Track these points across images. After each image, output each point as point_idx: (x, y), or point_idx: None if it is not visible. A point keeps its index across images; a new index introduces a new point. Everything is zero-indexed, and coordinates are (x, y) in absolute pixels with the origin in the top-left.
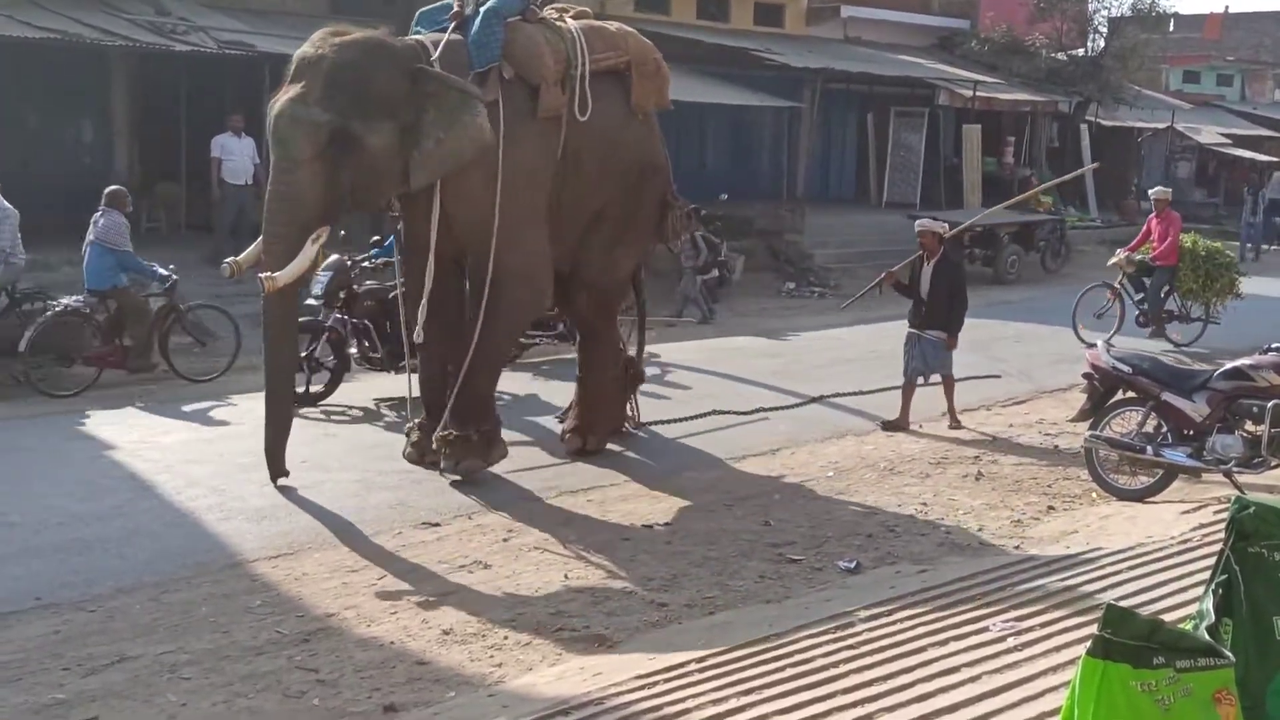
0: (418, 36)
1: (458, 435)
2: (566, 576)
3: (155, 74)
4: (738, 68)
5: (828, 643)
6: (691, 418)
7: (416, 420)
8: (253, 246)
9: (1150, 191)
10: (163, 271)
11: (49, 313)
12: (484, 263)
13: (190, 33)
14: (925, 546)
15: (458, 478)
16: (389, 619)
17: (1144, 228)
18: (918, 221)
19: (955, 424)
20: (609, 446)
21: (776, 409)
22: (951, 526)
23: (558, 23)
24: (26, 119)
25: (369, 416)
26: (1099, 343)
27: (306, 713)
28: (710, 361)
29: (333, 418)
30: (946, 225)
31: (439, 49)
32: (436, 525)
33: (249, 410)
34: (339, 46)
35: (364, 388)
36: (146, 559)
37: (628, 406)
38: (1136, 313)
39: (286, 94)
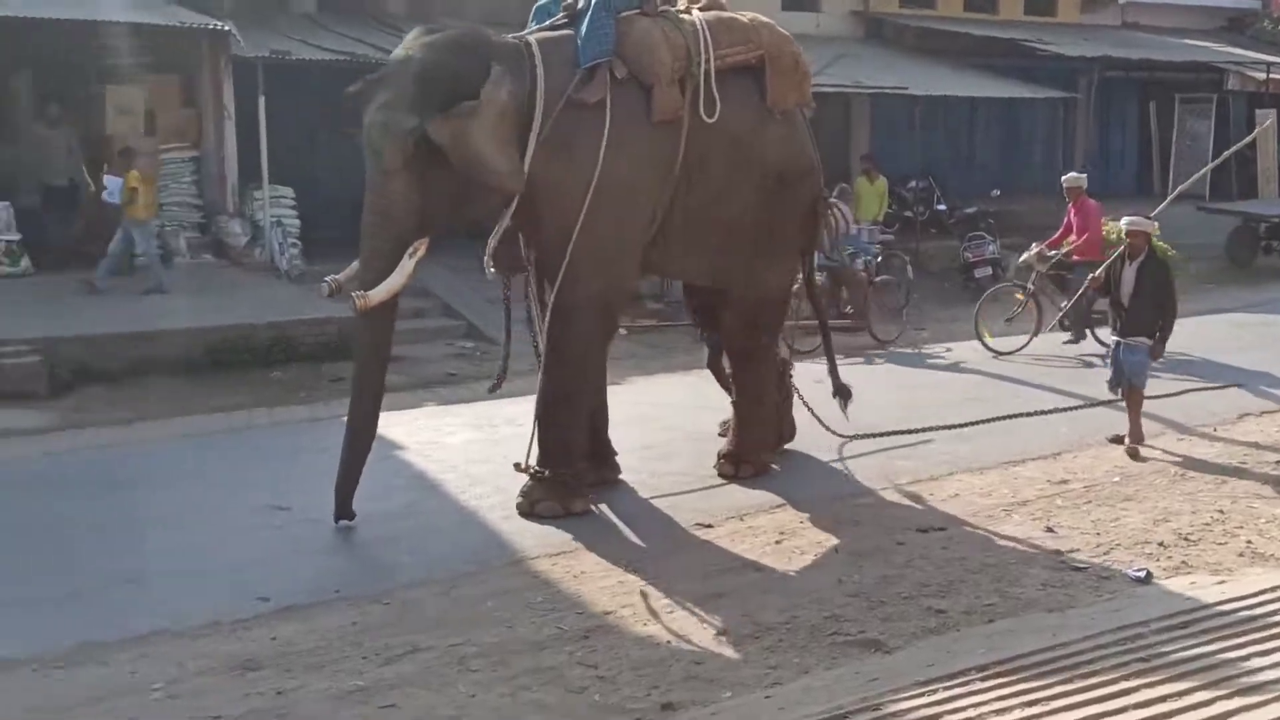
0: (523, 33)
1: (549, 476)
2: (840, 580)
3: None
4: (1008, 59)
5: (1116, 655)
6: (974, 423)
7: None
8: (353, 264)
9: (1063, 179)
10: None
11: None
12: (555, 281)
13: None
14: (1223, 556)
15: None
16: (665, 617)
17: (1064, 221)
18: (1126, 219)
19: (1136, 443)
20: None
21: (1055, 411)
22: (1253, 535)
23: (681, 15)
24: (317, 136)
25: (644, 419)
26: None
27: (587, 708)
28: (979, 360)
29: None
30: (1157, 224)
31: (541, 44)
32: (709, 526)
33: (528, 411)
34: (427, 46)
35: (638, 390)
36: (436, 555)
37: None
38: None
39: (376, 101)
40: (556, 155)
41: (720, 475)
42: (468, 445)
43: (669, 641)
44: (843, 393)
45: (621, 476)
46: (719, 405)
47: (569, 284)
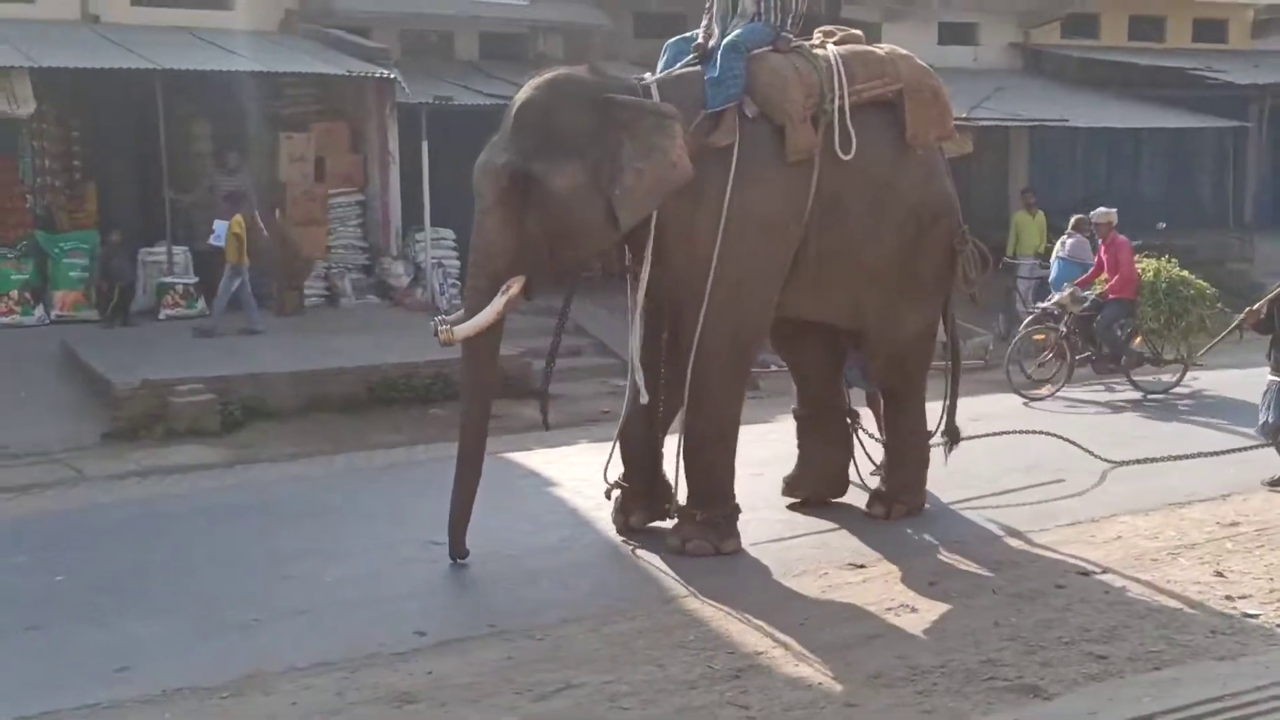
0: (646, 74)
1: (703, 516)
2: (997, 623)
3: None
4: (1175, 88)
5: None
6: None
7: (617, 479)
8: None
9: (1092, 215)
10: None
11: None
12: (692, 323)
13: None
14: None
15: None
16: (817, 659)
17: (1095, 259)
18: None
19: None
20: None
21: (1226, 452)
22: None
23: (815, 50)
24: None
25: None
26: None
27: None
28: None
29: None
30: None
31: (662, 85)
32: (861, 567)
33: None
34: (529, 87)
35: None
36: (588, 591)
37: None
38: (1093, 358)
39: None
40: (684, 198)
41: (870, 515)
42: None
43: (821, 683)
44: (952, 435)
45: (774, 515)
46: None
47: (708, 327)
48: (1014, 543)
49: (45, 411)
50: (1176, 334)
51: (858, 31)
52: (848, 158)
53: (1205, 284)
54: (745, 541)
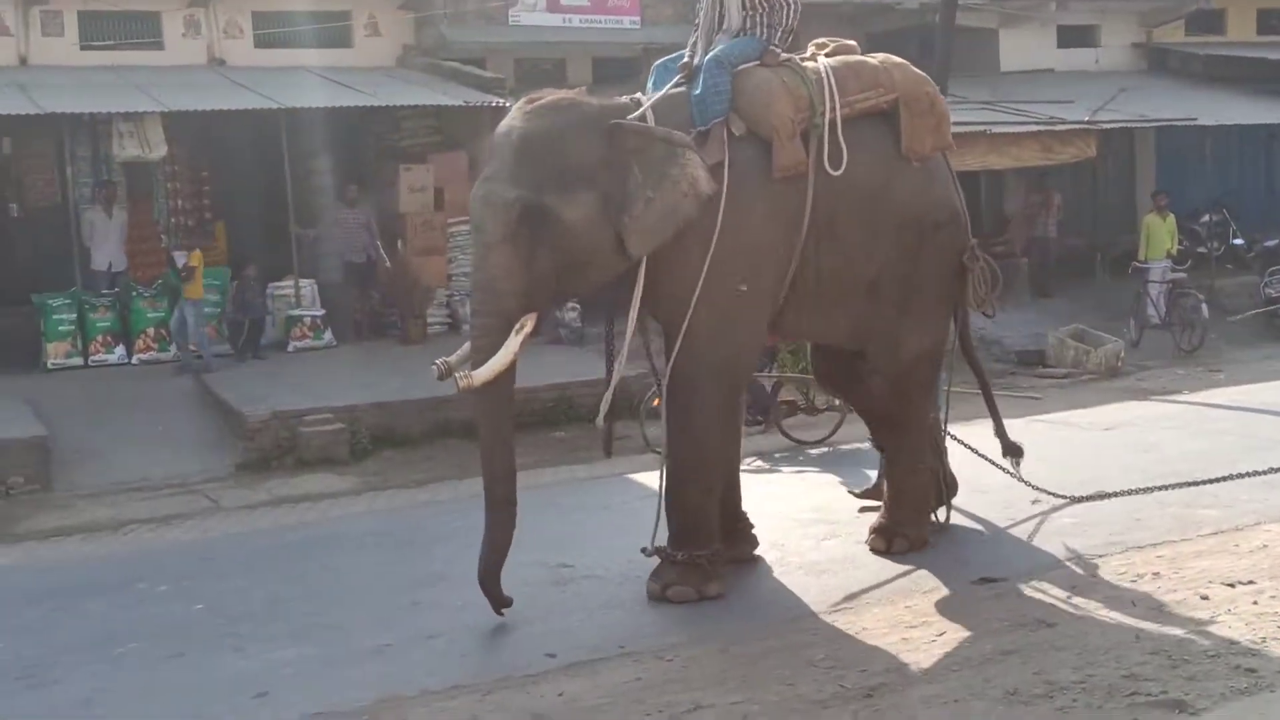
0: (637, 95)
1: (684, 558)
2: (1138, 637)
3: None
4: None
5: None
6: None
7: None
8: (465, 345)
9: None
10: None
11: None
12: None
13: None
14: None
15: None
16: (951, 676)
17: None
18: None
19: None
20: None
21: None
22: None
23: (805, 63)
24: None
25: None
26: None
27: None
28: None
29: None
30: None
31: (653, 106)
32: (994, 581)
33: (797, 469)
34: (528, 114)
35: None
36: (715, 612)
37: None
38: None
39: (483, 174)
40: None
41: (872, 551)
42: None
43: (956, 701)
44: (1013, 452)
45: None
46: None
47: (686, 353)
48: (1156, 553)
49: (182, 444)
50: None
51: (851, 43)
52: (839, 173)
53: None
54: (872, 557)
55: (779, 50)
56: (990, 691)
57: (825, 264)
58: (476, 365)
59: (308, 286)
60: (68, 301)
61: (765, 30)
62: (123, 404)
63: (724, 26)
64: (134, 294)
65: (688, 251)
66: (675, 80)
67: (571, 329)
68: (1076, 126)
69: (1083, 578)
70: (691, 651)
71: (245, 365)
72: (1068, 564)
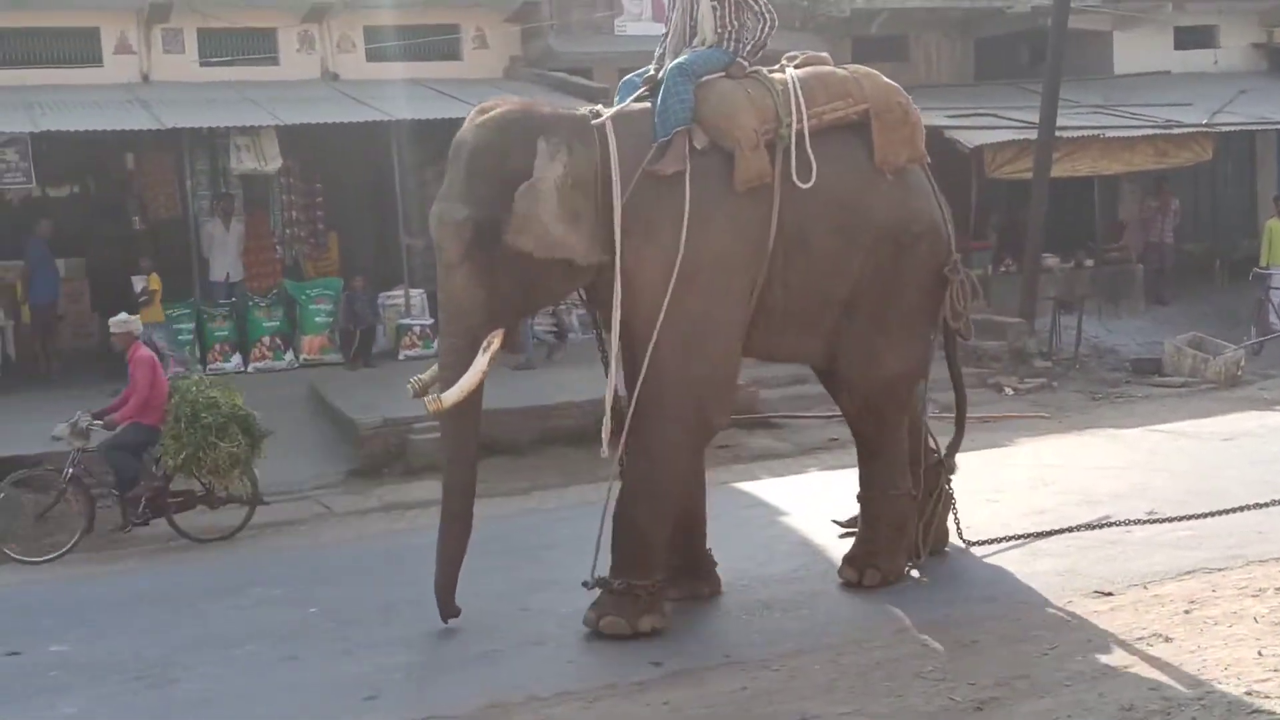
0: (597, 107)
1: (620, 585)
2: (1260, 653)
3: None
4: None
5: None
6: None
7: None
8: (435, 366)
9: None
10: None
11: None
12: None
13: None
14: None
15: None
16: (1063, 691)
17: None
18: None
19: None
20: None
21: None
22: None
23: (772, 74)
24: None
25: (1035, 483)
26: None
27: None
28: None
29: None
30: None
31: (615, 119)
32: (1109, 595)
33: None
34: (477, 128)
35: (1030, 451)
36: (821, 621)
37: (935, 524)
38: None
39: (440, 192)
40: (634, 233)
41: (844, 581)
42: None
43: (1069, 717)
44: (949, 467)
45: (1005, 540)
46: (1110, 466)
47: (654, 374)
48: (1276, 567)
49: (296, 451)
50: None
51: (824, 55)
52: (807, 185)
53: (242, 407)
54: (988, 570)
55: (745, 62)
56: (1104, 707)
57: (795, 280)
58: (443, 386)
59: (417, 296)
60: (187, 311)
61: (734, 44)
62: None
63: (695, 41)
64: (250, 303)
65: (651, 267)
66: (639, 93)
67: (548, 342)
68: (1193, 129)
69: (1201, 591)
70: (798, 661)
71: (357, 374)
72: (1185, 577)
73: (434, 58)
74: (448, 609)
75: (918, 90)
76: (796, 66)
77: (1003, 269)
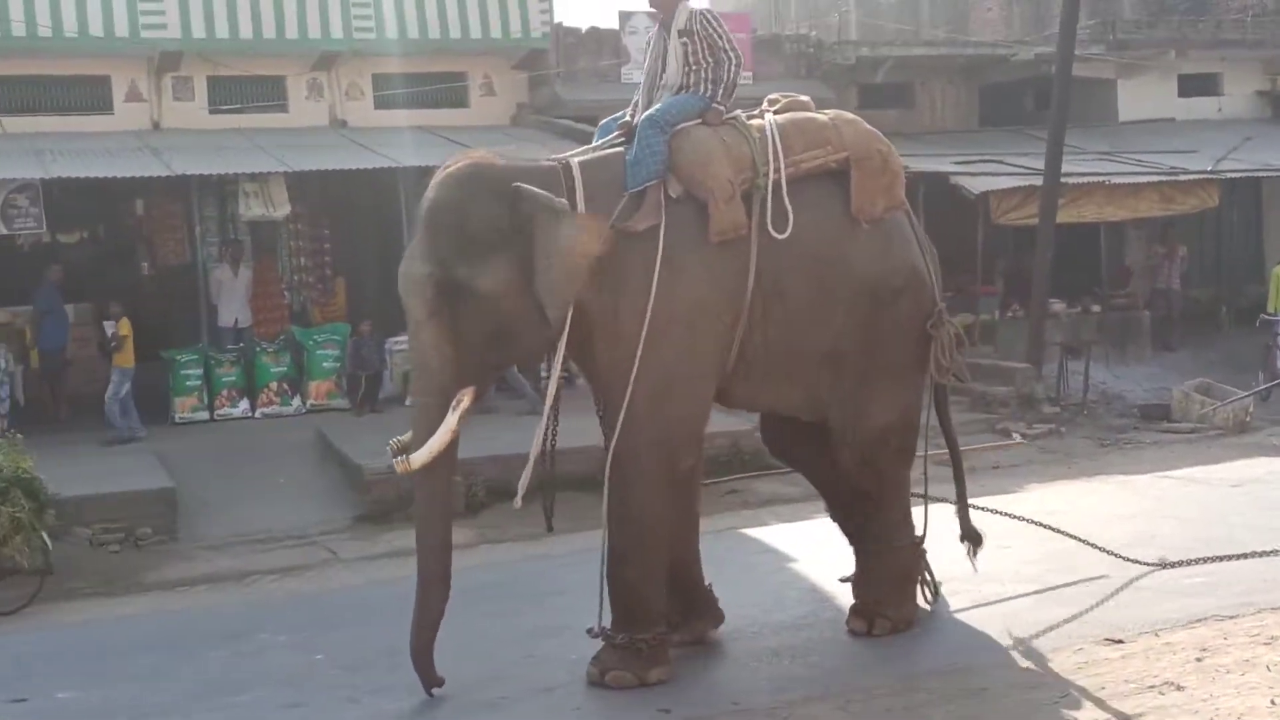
0: (564, 155)
1: (623, 640)
2: (1273, 702)
3: None
4: None
5: None
6: None
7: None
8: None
9: None
10: None
11: None
12: (613, 425)
13: None
14: None
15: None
16: None
17: None
18: None
19: None
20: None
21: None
22: None
23: (750, 121)
24: None
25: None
26: None
27: None
28: None
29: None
30: None
31: (584, 166)
32: (1119, 642)
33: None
34: (438, 184)
35: (1032, 498)
36: (831, 668)
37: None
38: None
39: (407, 250)
40: (606, 285)
41: (852, 632)
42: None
43: None
44: (972, 538)
45: (1024, 588)
46: (1119, 512)
47: (628, 427)
48: None
49: (303, 496)
50: None
51: (805, 98)
52: (784, 236)
53: (28, 470)
54: (998, 615)
55: (722, 108)
56: None
57: (774, 332)
58: (414, 446)
59: None
60: (195, 357)
61: (709, 86)
62: (246, 457)
63: (663, 82)
64: (257, 349)
65: (623, 319)
66: (612, 139)
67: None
68: (1198, 176)
69: (1213, 639)
70: (807, 709)
71: (363, 419)
72: (1196, 624)
73: (442, 105)
74: (429, 678)
75: (923, 137)
76: (777, 112)
77: (1010, 314)
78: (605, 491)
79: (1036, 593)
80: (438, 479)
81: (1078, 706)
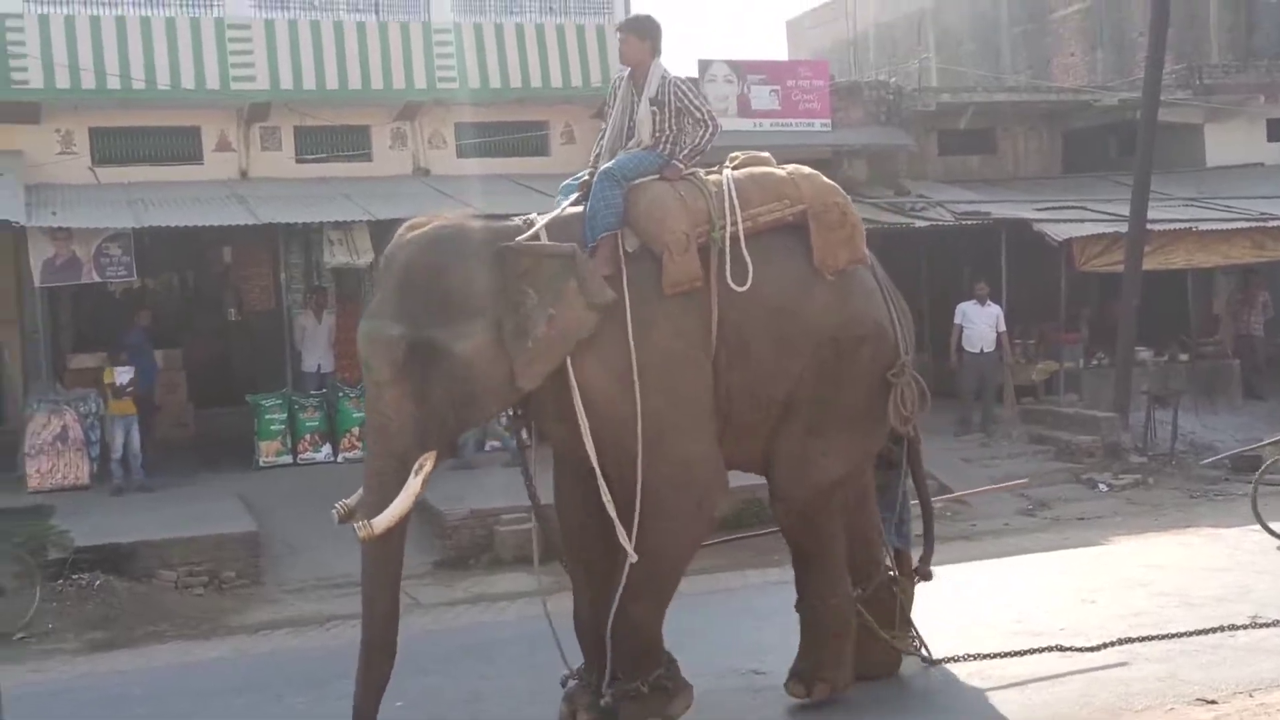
0: (527, 215)
1: (623, 690)
2: None
3: (897, 249)
4: None
5: None
6: None
7: (575, 668)
8: (362, 488)
9: None
10: None
11: None
12: (628, 473)
13: (928, 208)
14: None
15: None
16: None
17: None
18: None
19: None
20: None
21: None
22: None
23: (708, 176)
24: None
25: (1131, 581)
26: None
27: None
28: None
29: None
30: None
31: (546, 226)
32: (1213, 703)
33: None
34: (409, 243)
35: (1126, 551)
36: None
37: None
38: None
39: (368, 309)
40: (578, 347)
41: (792, 695)
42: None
43: None
44: (924, 575)
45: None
46: (1210, 566)
47: (648, 469)
48: None
49: None
50: None
51: (765, 154)
52: (742, 289)
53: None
54: (1081, 675)
55: (680, 165)
56: None
57: (736, 384)
58: (371, 511)
59: None
60: (279, 402)
61: (670, 147)
62: (328, 501)
63: (631, 143)
64: (341, 394)
65: (596, 375)
66: (573, 199)
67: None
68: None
69: None
70: None
71: (444, 466)
72: None
73: (523, 153)
74: None
75: (1005, 183)
76: (736, 167)
77: (1094, 362)
78: (635, 532)
79: (1125, 649)
80: (391, 545)
81: None
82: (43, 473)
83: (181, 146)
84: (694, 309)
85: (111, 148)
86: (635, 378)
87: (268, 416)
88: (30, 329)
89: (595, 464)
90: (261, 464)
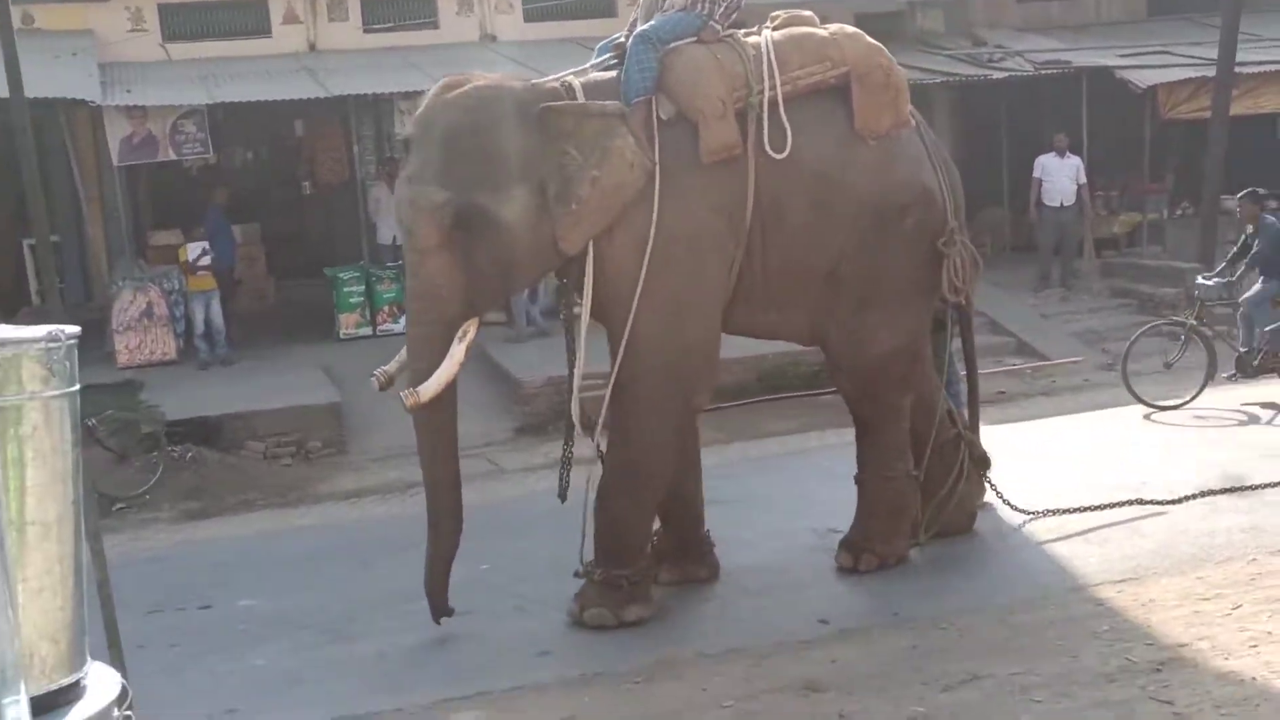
0: (566, 76)
1: (602, 576)
2: None
3: (975, 102)
4: None
5: None
6: None
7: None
8: (401, 353)
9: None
10: None
11: None
12: (630, 346)
13: (1006, 58)
14: None
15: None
16: (1248, 653)
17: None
18: None
19: None
20: None
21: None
22: None
23: (747, 38)
24: None
25: (1215, 436)
26: None
27: None
28: None
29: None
30: None
31: (585, 87)
32: None
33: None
34: (450, 104)
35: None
36: (992, 579)
37: (958, 502)
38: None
39: (405, 171)
40: None
41: (840, 567)
42: (1020, 469)
43: (1254, 679)
44: (980, 462)
45: (1178, 496)
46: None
47: (631, 354)
48: None
49: (465, 409)
50: None
51: (808, 13)
52: (783, 156)
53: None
54: (1166, 525)
55: (719, 26)
56: None
57: (774, 254)
58: (418, 378)
59: None
60: (356, 274)
61: (707, 6)
62: None
63: (666, 6)
64: None
65: (623, 245)
66: (606, 60)
67: (538, 325)
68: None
69: None
70: (969, 620)
71: (523, 333)
72: None
73: (591, 15)
74: (440, 609)
75: (1087, 29)
76: (776, 28)
77: (1179, 212)
78: (603, 419)
79: (1208, 501)
80: (444, 412)
81: (1252, 619)
82: (131, 349)
83: (249, 20)
84: (732, 178)
85: (180, 23)
86: (649, 251)
87: (345, 289)
88: (111, 207)
89: (582, 335)
90: (342, 335)
